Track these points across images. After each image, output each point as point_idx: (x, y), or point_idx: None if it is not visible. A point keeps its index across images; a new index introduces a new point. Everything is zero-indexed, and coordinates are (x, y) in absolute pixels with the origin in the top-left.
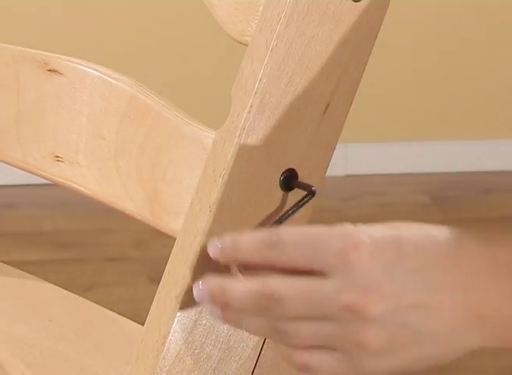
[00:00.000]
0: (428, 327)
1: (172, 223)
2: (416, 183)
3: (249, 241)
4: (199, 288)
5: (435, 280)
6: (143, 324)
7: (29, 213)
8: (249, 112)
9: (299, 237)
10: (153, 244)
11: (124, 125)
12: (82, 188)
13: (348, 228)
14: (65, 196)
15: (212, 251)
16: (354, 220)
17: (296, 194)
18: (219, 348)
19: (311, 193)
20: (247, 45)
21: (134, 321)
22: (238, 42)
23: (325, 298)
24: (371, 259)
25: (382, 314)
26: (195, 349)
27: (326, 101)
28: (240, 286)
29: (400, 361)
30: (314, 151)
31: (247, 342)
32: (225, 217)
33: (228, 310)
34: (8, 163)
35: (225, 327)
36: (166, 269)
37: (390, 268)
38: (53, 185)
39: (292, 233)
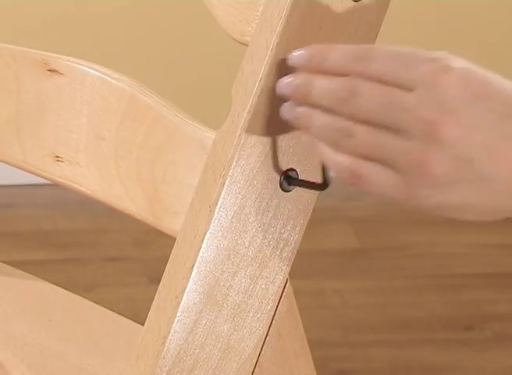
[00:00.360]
0: (492, 171)
1: (172, 223)
2: None
3: (339, 51)
4: (286, 80)
5: None
6: (143, 324)
7: (28, 213)
8: (249, 112)
9: (390, 52)
10: (153, 244)
11: (124, 125)
12: (82, 188)
13: (442, 53)
14: (65, 196)
15: (297, 60)
16: (354, 220)
17: (297, 194)
18: (219, 348)
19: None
20: (247, 45)
21: (134, 321)
22: (238, 42)
23: (403, 107)
24: (459, 86)
25: (452, 139)
26: (195, 349)
27: None
28: (325, 79)
29: (452, 197)
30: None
31: (247, 342)
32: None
33: (303, 104)
34: (8, 163)
35: (225, 327)
36: (166, 269)
37: (474, 100)
38: (53, 185)
39: (383, 48)
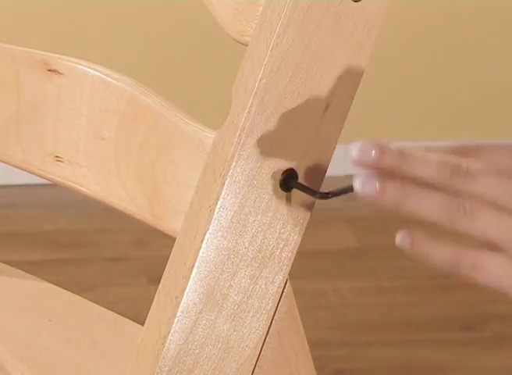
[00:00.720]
0: None
1: (172, 223)
2: None
3: (428, 158)
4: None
5: None
6: (143, 324)
7: (29, 213)
8: (249, 112)
9: (489, 169)
10: (153, 244)
11: (124, 125)
12: (82, 188)
13: None
14: (65, 196)
15: (364, 156)
16: (354, 220)
17: (297, 194)
18: (219, 348)
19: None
20: (247, 45)
21: (134, 321)
22: (238, 42)
23: None
24: None
25: None
26: (195, 349)
27: (326, 101)
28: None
29: None
30: (314, 151)
31: (247, 342)
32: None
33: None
34: (8, 163)
35: (225, 327)
36: (166, 269)
37: None
38: (53, 185)
39: (479, 164)
